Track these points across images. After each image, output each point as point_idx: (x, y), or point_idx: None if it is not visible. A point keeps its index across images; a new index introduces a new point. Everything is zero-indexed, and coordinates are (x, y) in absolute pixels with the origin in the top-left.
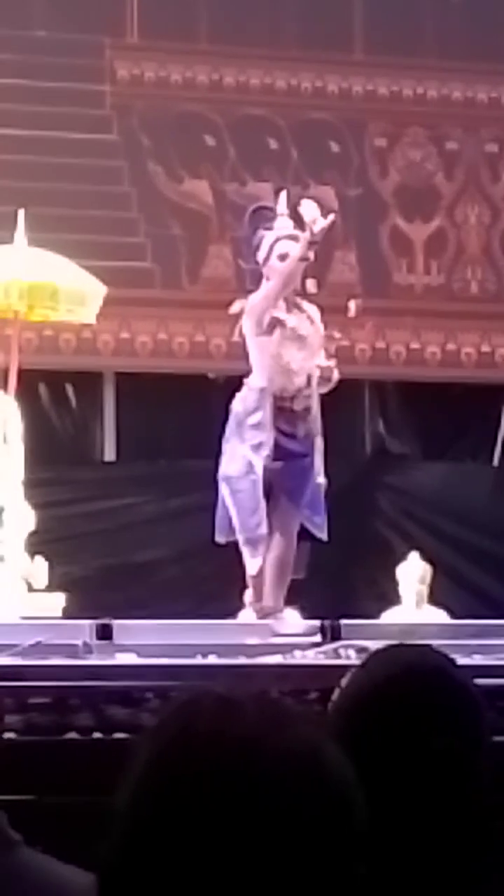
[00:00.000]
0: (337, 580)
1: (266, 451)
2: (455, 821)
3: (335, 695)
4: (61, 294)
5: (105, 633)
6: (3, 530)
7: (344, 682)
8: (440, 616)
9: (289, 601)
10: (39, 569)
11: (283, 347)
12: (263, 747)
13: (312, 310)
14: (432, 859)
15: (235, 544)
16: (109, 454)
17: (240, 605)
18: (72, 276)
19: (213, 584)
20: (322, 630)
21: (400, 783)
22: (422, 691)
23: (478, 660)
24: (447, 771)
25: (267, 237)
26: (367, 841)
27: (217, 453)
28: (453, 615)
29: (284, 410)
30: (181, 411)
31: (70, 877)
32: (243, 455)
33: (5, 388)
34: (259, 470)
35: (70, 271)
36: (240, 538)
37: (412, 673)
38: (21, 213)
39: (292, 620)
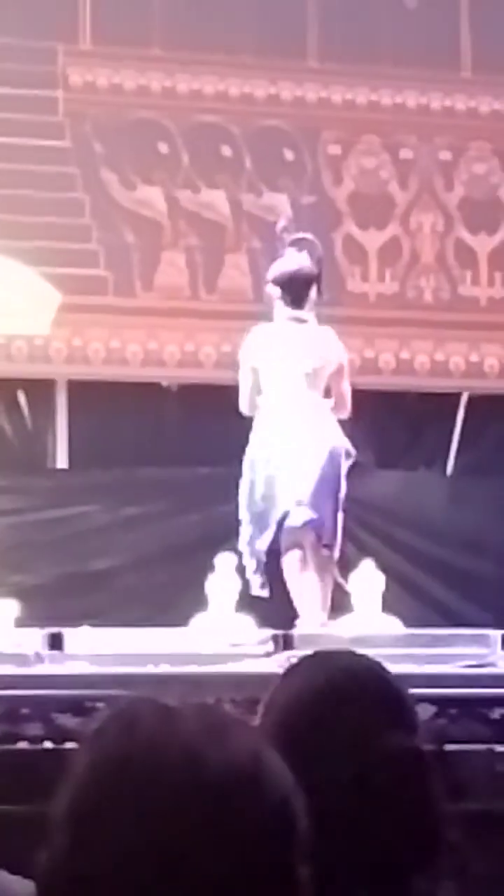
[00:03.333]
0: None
1: None
2: (398, 821)
3: (262, 703)
4: (15, 306)
5: (56, 642)
6: None
7: (269, 692)
8: (393, 625)
9: (243, 611)
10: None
11: None
12: (204, 755)
13: None
14: (377, 861)
15: None
16: (62, 462)
17: (194, 613)
18: (26, 286)
19: (170, 591)
20: (275, 639)
21: (342, 784)
22: (361, 691)
23: (430, 669)
24: (392, 769)
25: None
26: (309, 844)
27: (169, 461)
28: (407, 624)
29: None
30: (134, 419)
31: (18, 888)
32: None
33: None
34: None
35: (24, 281)
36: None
37: (349, 674)
38: None
39: (246, 630)
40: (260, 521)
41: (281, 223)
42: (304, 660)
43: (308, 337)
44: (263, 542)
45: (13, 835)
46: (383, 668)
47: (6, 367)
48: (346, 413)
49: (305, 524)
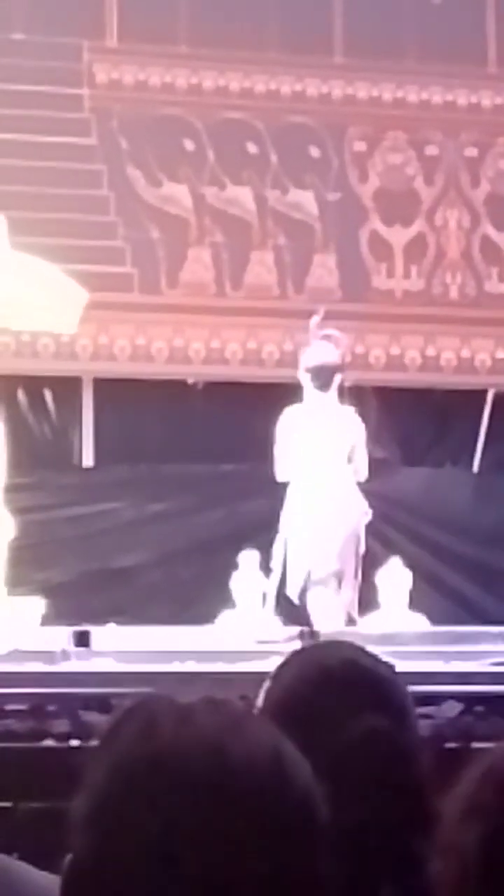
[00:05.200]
0: None
1: None
2: (388, 799)
3: (261, 694)
4: (43, 304)
5: (83, 639)
6: None
7: (266, 684)
8: (420, 622)
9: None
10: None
11: None
12: (225, 751)
13: None
14: (371, 839)
15: None
16: (88, 459)
17: (219, 610)
18: (54, 285)
19: (195, 588)
20: (301, 636)
21: (336, 765)
22: (331, 680)
23: (457, 667)
24: (364, 749)
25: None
26: (331, 834)
27: (194, 458)
28: (433, 621)
29: None
30: (160, 416)
31: (45, 883)
32: None
33: None
34: None
35: (52, 279)
36: None
37: (321, 667)
38: (1, 218)
39: (272, 627)
40: (292, 573)
41: (315, 318)
42: (291, 656)
43: (334, 416)
44: (293, 592)
45: (40, 831)
46: (363, 656)
47: (32, 365)
48: (364, 476)
49: (329, 575)
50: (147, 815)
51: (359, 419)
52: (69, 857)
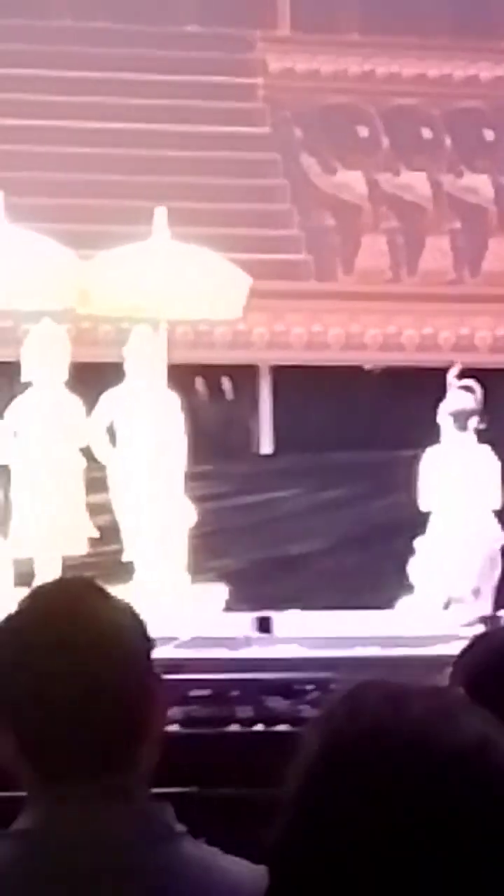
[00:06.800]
0: None
1: None
2: None
3: (451, 668)
4: (202, 290)
5: (265, 625)
6: (168, 523)
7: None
8: None
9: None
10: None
11: None
12: (431, 739)
13: None
14: None
15: None
16: (266, 447)
17: (396, 596)
18: (214, 272)
19: (370, 574)
20: (483, 621)
21: None
22: None
23: None
24: None
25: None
26: None
27: (371, 444)
28: None
29: None
30: (336, 403)
31: (232, 867)
32: None
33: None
34: None
35: (212, 266)
36: None
37: None
38: (161, 210)
39: (454, 613)
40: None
41: (454, 371)
42: (477, 639)
43: (472, 453)
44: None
45: (225, 816)
46: None
47: (209, 354)
48: (498, 505)
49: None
50: (348, 796)
51: (494, 455)
52: (273, 836)
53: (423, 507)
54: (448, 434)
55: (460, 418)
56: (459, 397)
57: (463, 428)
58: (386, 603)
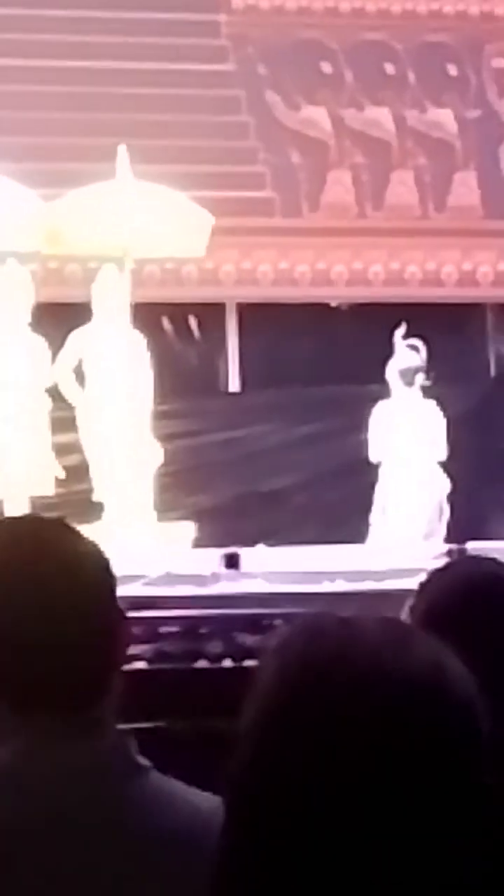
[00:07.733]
0: (468, 503)
1: None
2: None
3: (410, 601)
4: (166, 229)
5: (232, 561)
6: (136, 462)
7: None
8: None
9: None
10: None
11: None
12: (388, 665)
13: None
14: None
15: None
16: (234, 384)
17: (367, 531)
18: (176, 210)
19: (341, 510)
20: (449, 554)
21: (494, 679)
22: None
23: None
24: None
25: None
26: (492, 750)
27: (340, 380)
28: None
29: None
30: (304, 340)
31: (198, 801)
32: None
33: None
34: None
35: (174, 204)
36: None
37: (491, 577)
38: (122, 148)
39: (420, 545)
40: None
41: (400, 331)
42: (451, 563)
43: (418, 408)
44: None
45: (194, 750)
46: None
47: (177, 292)
48: (444, 457)
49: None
50: (308, 720)
51: (439, 410)
52: (231, 765)
53: (372, 459)
54: (396, 390)
55: (407, 375)
56: (406, 355)
57: (410, 384)
58: (359, 538)
